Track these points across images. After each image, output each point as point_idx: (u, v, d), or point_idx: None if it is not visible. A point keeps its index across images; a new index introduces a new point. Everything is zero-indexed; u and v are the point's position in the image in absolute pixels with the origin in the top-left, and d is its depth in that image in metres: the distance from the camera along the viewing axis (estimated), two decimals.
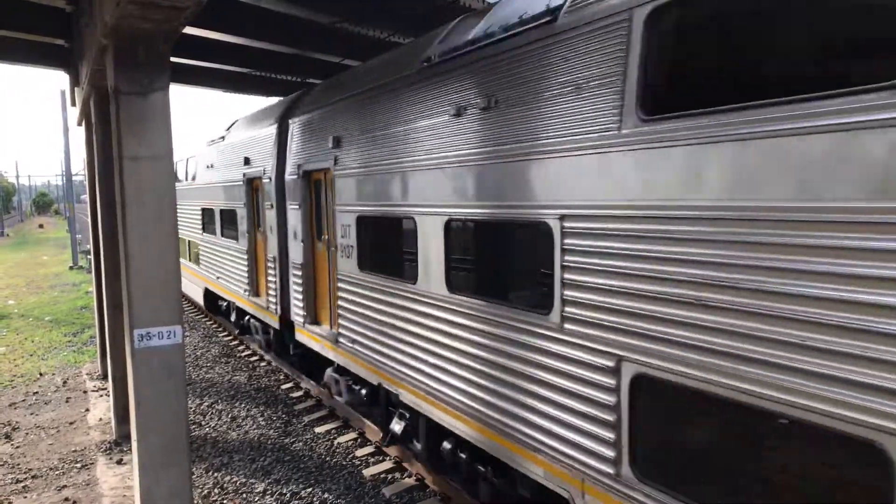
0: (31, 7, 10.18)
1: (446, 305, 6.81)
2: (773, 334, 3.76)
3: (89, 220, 13.24)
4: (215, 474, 8.83)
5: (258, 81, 16.19)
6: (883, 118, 3.23)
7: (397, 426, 8.17)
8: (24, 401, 12.27)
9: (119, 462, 9.25)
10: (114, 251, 9.73)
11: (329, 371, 10.32)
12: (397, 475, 8.55)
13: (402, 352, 7.75)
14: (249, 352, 15.16)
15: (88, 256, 32.59)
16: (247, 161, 13.14)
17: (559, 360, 5.33)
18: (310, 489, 8.25)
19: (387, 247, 8.09)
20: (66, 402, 12.13)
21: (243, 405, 11.52)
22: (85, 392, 12.65)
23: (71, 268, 35.09)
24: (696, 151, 4.08)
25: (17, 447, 9.98)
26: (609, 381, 4.85)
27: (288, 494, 8.13)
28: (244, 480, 8.62)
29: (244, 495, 8.21)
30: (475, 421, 6.45)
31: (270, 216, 11.93)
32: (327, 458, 9.17)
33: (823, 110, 3.45)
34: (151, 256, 6.24)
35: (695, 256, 4.13)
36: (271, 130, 11.93)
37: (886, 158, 3.21)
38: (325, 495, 8.06)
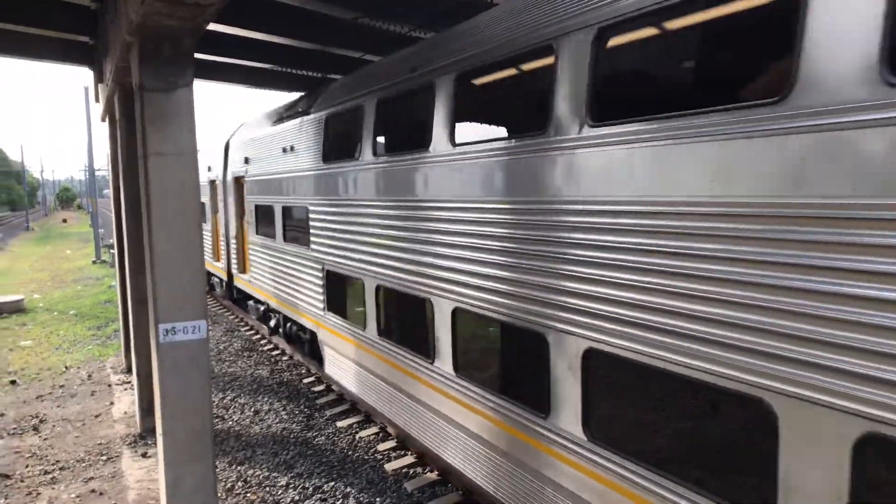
0: (57, 4, 10.28)
1: (283, 249, 12.75)
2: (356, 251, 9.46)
3: (113, 215, 13.43)
4: (239, 468, 8.90)
5: (279, 77, 16.22)
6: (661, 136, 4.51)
7: (272, 322, 14.64)
8: (50, 393, 12.45)
9: (144, 455, 9.36)
10: (137, 246, 9.82)
11: (250, 302, 16.26)
12: (419, 470, 8.57)
13: (272, 280, 13.74)
14: (271, 346, 15.27)
15: (111, 251, 32.97)
16: (209, 168, 18.99)
17: (310, 267, 11.27)
18: (332, 483, 8.29)
19: (265, 221, 13.73)
20: (92, 395, 12.29)
21: (266, 399, 11.61)
22: (109, 385, 12.81)
23: (94, 262, 35.55)
24: (334, 175, 9.89)
25: (45, 439, 10.13)
26: (320, 273, 10.82)
27: (311, 488, 8.19)
28: (267, 474, 8.68)
29: (267, 489, 8.27)
30: (291, 306, 12.67)
31: (221, 205, 17.86)
32: (349, 453, 9.22)
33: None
34: (176, 252, 6.28)
35: (349, 220, 9.48)
36: (221, 148, 17.56)
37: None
38: (348, 489, 8.10)
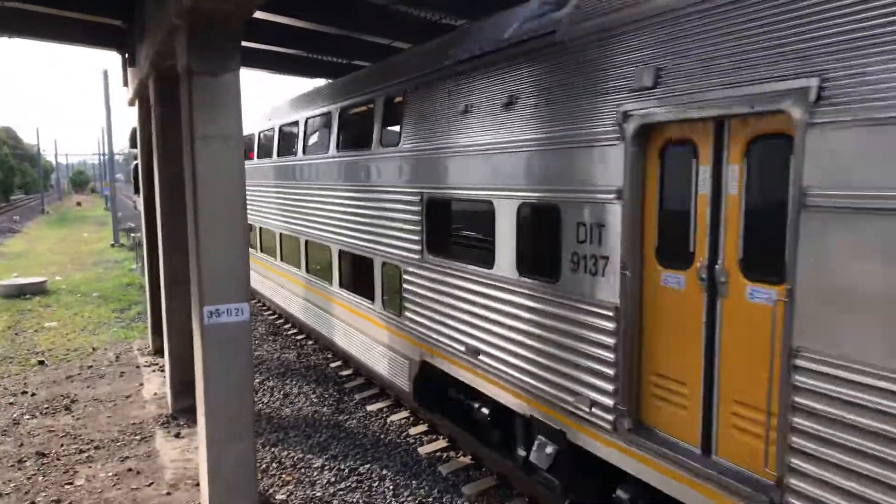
0: None
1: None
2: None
3: (142, 198, 13.47)
4: (272, 449, 9.02)
5: (305, 63, 16.21)
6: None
7: None
8: (79, 374, 12.59)
9: (177, 436, 9.46)
10: (173, 228, 9.86)
11: None
12: (452, 454, 8.65)
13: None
14: (295, 330, 15.38)
15: (130, 234, 33.16)
16: None
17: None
18: (367, 465, 8.39)
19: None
20: (121, 376, 12.41)
21: (294, 382, 11.72)
22: (137, 367, 12.93)
23: (112, 245, 35.73)
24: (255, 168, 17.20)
25: (78, 419, 10.26)
26: (250, 224, 16.43)
27: (346, 470, 8.29)
28: (301, 456, 8.79)
29: (302, 470, 8.38)
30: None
31: None
32: (381, 436, 9.32)
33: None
34: (221, 235, 6.33)
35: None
36: None
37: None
38: (384, 472, 8.20)
